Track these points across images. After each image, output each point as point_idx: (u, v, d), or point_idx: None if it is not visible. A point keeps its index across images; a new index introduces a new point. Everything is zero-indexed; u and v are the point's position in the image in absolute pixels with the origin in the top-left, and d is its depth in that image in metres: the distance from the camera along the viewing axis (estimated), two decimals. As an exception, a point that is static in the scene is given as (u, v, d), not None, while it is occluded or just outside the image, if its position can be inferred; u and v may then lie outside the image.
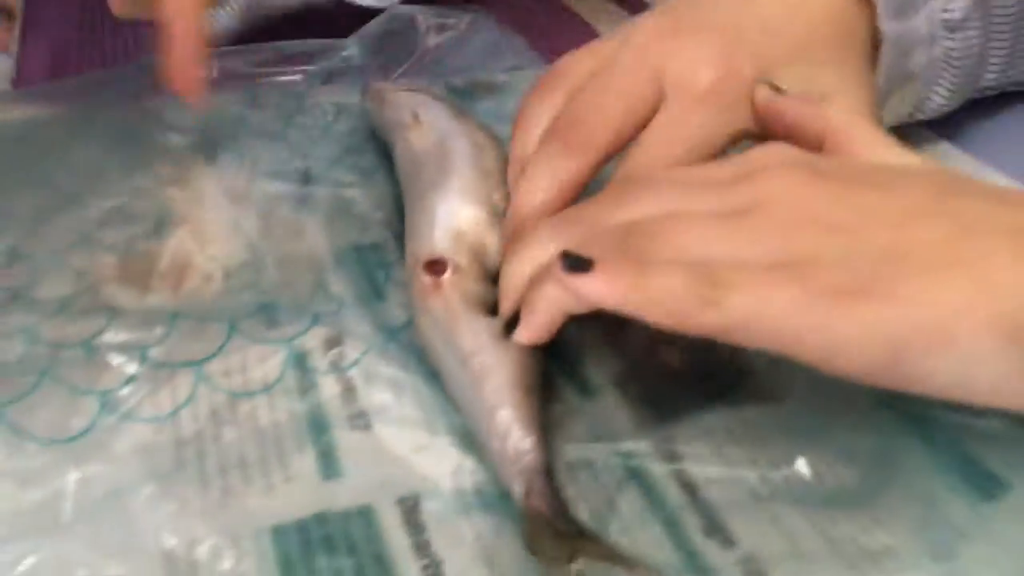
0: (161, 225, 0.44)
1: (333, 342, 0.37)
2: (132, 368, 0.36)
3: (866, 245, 0.28)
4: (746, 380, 0.35)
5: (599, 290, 0.29)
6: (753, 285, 0.27)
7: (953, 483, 0.31)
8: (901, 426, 0.33)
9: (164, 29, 0.45)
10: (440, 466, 0.33)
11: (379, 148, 0.49)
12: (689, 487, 0.32)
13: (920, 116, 0.47)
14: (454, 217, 0.39)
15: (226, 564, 0.29)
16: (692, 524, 0.30)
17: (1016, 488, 0.31)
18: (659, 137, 0.37)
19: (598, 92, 0.38)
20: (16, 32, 0.65)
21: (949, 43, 0.44)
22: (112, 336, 0.37)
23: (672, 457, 0.33)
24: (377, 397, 0.35)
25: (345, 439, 0.34)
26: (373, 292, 0.41)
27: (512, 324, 0.34)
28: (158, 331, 0.37)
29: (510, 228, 0.37)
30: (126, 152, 0.49)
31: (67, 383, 0.35)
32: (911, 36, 0.43)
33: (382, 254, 0.43)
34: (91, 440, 0.33)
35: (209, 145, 0.50)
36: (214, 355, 0.37)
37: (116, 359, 0.36)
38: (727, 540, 0.30)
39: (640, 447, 0.33)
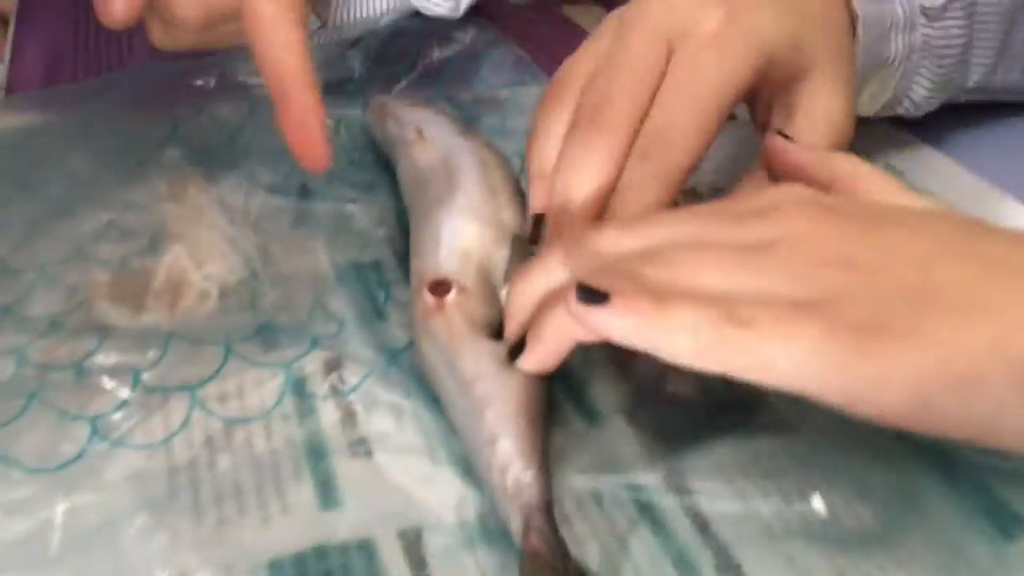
0: (156, 241, 0.43)
1: (332, 366, 0.36)
2: (124, 392, 0.35)
3: (891, 285, 0.27)
4: (759, 410, 0.34)
5: (614, 326, 0.28)
6: (775, 323, 0.26)
7: (976, 524, 0.30)
8: (920, 462, 0.32)
9: (266, 72, 0.39)
10: (443, 497, 0.31)
11: (380, 162, 0.48)
12: (701, 523, 0.31)
13: (901, 110, 0.47)
14: (460, 236, 0.38)
15: (220, 600, 0.28)
16: (704, 562, 0.29)
17: (1041, 530, 0.30)
18: (676, 91, 0.36)
19: (612, 71, 0.37)
20: (9, 36, 0.64)
21: (928, 31, 0.44)
22: (104, 358, 0.36)
23: (683, 491, 0.32)
24: (378, 423, 0.34)
25: (345, 467, 0.33)
26: (374, 312, 0.39)
27: (517, 350, 0.33)
28: (151, 354, 0.36)
29: (554, 225, 0.36)
30: (121, 164, 0.48)
31: (56, 407, 0.34)
32: (887, 19, 0.43)
33: (383, 273, 0.42)
34: (81, 468, 0.32)
35: (206, 157, 0.49)
36: (210, 379, 0.35)
37: (108, 382, 0.35)
38: (741, 580, 0.29)
39: (650, 480, 0.32)
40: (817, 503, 0.31)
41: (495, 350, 0.33)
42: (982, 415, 0.26)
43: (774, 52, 0.37)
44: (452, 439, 0.33)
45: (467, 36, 0.59)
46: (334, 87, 0.55)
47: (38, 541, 0.30)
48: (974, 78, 0.47)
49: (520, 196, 0.41)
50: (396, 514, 0.31)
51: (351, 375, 0.36)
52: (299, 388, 0.35)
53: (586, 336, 0.30)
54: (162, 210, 0.45)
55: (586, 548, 0.30)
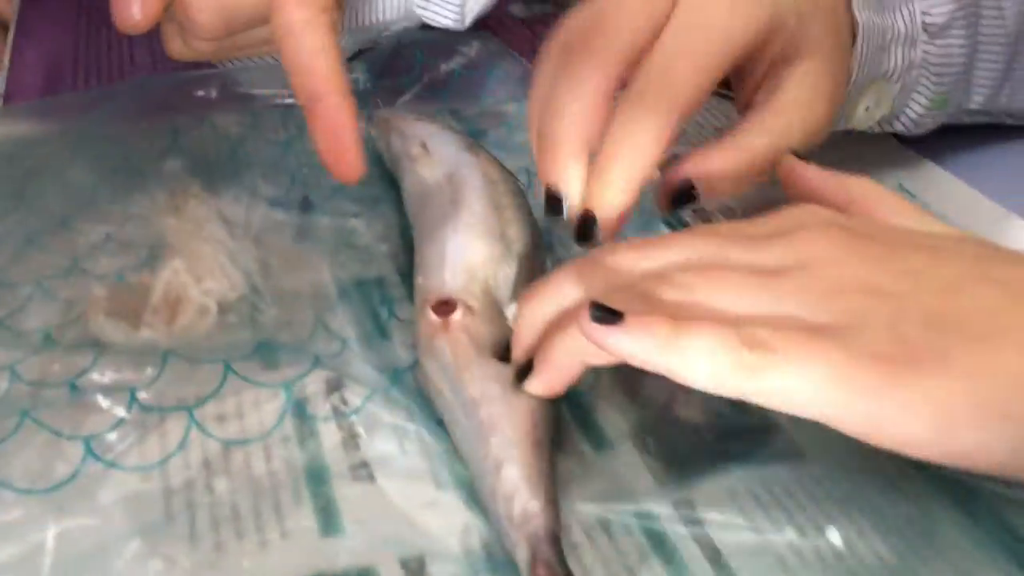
0: (155, 254, 0.42)
1: (334, 386, 0.35)
2: (120, 411, 0.34)
3: (914, 311, 0.26)
4: (771, 436, 0.34)
5: (628, 347, 0.27)
6: (795, 348, 0.25)
7: (993, 558, 0.29)
8: (937, 492, 0.31)
9: (296, 79, 0.38)
10: (447, 524, 0.31)
11: (384, 176, 0.48)
12: (713, 554, 0.30)
13: (899, 127, 0.46)
14: (465, 254, 0.37)
15: (216, 631, 0.27)
16: (717, 596, 0.29)
17: (1061, 564, 0.29)
18: (680, 36, 0.35)
19: (612, 3, 0.36)
20: (8, 43, 0.63)
21: (929, 47, 0.43)
22: (99, 376, 0.35)
23: (694, 521, 0.31)
24: (380, 446, 0.33)
25: (346, 492, 0.32)
26: (376, 330, 0.39)
27: (524, 372, 0.32)
28: (148, 371, 0.35)
29: (541, 158, 0.36)
30: (121, 175, 0.47)
31: (49, 426, 0.33)
32: (888, 31, 0.42)
33: (386, 289, 0.41)
34: (73, 489, 0.31)
35: (207, 169, 0.48)
36: (208, 398, 0.35)
37: (103, 401, 0.34)
38: (755, 615, 0.28)
39: (660, 508, 0.31)
40: (833, 536, 0.30)
41: (501, 372, 0.32)
42: (1008, 446, 0.25)
43: (780, 24, 0.37)
44: (456, 463, 0.33)
45: (472, 49, 0.58)
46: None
47: (28, 566, 0.29)
48: (976, 99, 0.47)
49: (526, 212, 0.40)
50: (398, 541, 0.30)
51: (353, 396, 0.35)
52: (300, 409, 0.34)
53: (597, 358, 0.30)
54: (161, 223, 0.44)
55: (592, 581, 0.29)
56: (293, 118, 0.53)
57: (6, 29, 0.65)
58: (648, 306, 0.28)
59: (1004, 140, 0.51)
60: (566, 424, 0.34)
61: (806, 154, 0.37)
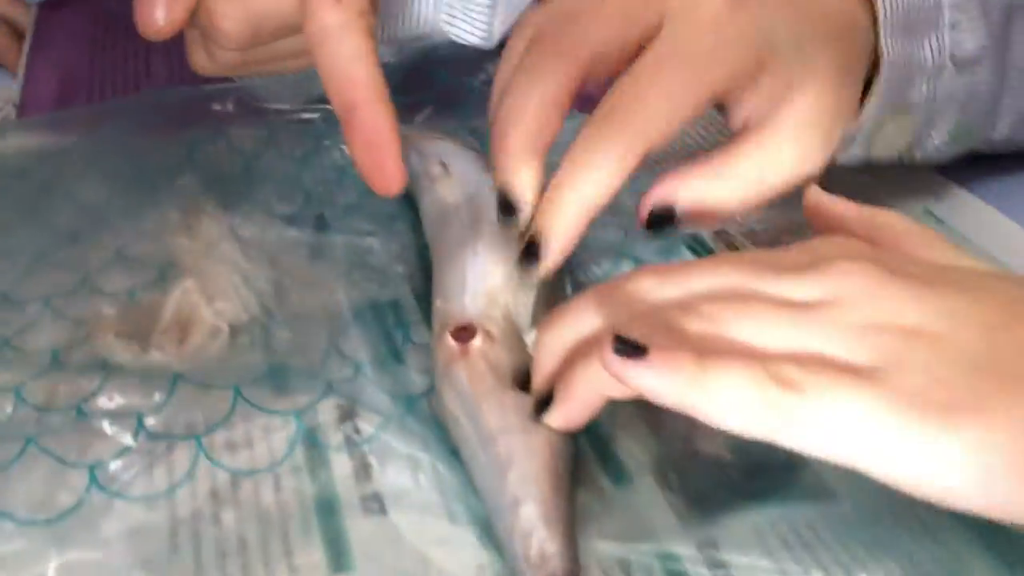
0: (166, 274, 0.41)
1: (347, 414, 0.34)
2: (126, 438, 0.33)
3: (951, 353, 0.25)
4: (799, 474, 0.32)
5: (651, 383, 0.26)
6: (827, 388, 0.24)
7: (1032, 608, 0.28)
8: (969, 536, 0.30)
9: (332, 87, 0.36)
10: (461, 562, 0.29)
11: (401, 194, 0.47)
12: (737, 600, 0.29)
13: (919, 155, 0.44)
14: (485, 279, 0.36)
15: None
16: (741, 644, 0.27)
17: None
18: (656, 66, 0.33)
19: (592, 3, 0.35)
20: (24, 53, 0.63)
21: (956, 80, 0.41)
22: (106, 400, 0.34)
23: (719, 564, 0.29)
24: (393, 478, 0.32)
25: (357, 526, 0.31)
26: (391, 354, 0.38)
27: (544, 403, 0.31)
28: (157, 397, 0.34)
29: (495, 156, 0.34)
30: (134, 190, 0.47)
31: (54, 453, 0.32)
32: (914, 62, 0.40)
33: (401, 312, 0.40)
34: (76, 520, 0.30)
35: (221, 185, 0.48)
36: (217, 426, 0.34)
37: (109, 428, 0.33)
38: (781, 667, 0.27)
39: (682, 549, 0.30)
40: (863, 582, 0.29)
41: (520, 402, 0.31)
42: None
43: (772, 56, 0.35)
44: (471, 496, 0.31)
45: (494, 65, 0.57)
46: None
47: (29, 600, 0.28)
48: (1002, 131, 0.45)
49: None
50: (411, 579, 0.29)
51: (366, 424, 0.34)
52: (311, 438, 0.33)
53: (619, 391, 0.28)
54: (174, 242, 0.43)
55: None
56: (311, 132, 0.52)
57: (21, 38, 0.64)
58: (671, 337, 0.27)
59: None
60: (584, 455, 0.33)
61: (829, 182, 0.36)
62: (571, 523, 0.29)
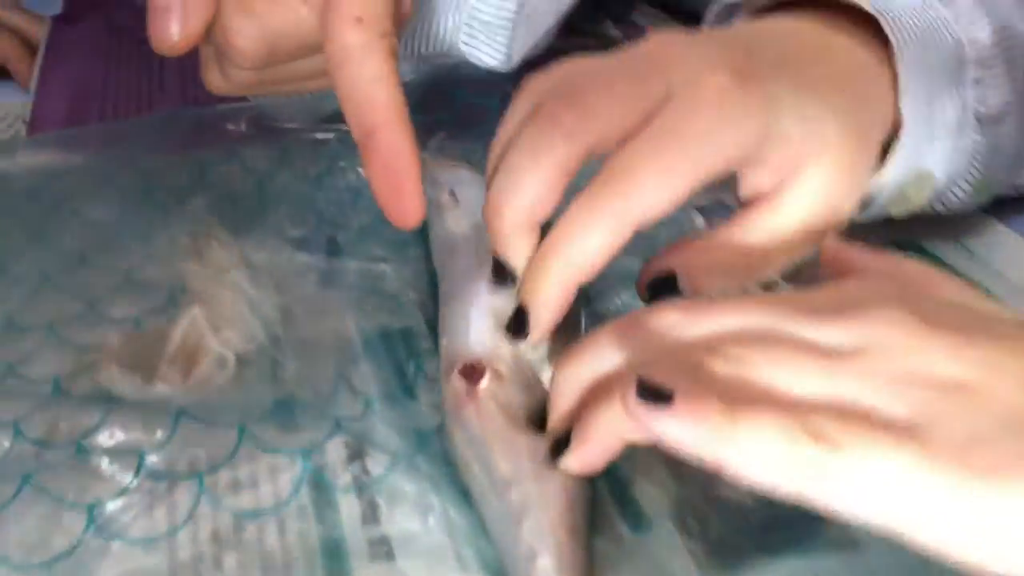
0: (174, 300, 0.40)
1: (355, 454, 0.33)
2: (126, 478, 0.32)
3: (990, 408, 0.24)
4: (823, 523, 0.31)
5: (676, 433, 0.24)
6: (864, 443, 0.23)
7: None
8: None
9: (350, 109, 0.35)
10: (471, 612, 0.28)
11: (415, 220, 0.46)
12: (760, 658, 0.27)
13: (941, 208, 0.42)
14: (493, 315, 0.34)
15: None
16: None
17: None
18: (652, 144, 0.32)
19: (602, 75, 0.33)
20: (36, 68, 0.62)
21: (978, 138, 0.39)
22: (107, 437, 0.33)
23: (740, 620, 0.28)
24: (402, 522, 0.31)
25: (364, 572, 0.29)
26: (401, 388, 0.36)
27: (560, 446, 0.29)
28: (159, 434, 0.33)
29: (490, 222, 0.32)
30: (144, 211, 0.46)
31: (51, 492, 0.31)
32: (937, 122, 0.38)
33: (413, 342, 0.39)
34: (72, 564, 0.29)
35: (232, 207, 0.47)
36: (221, 465, 0.32)
37: (109, 467, 0.32)
38: None
39: (702, 605, 0.29)
40: (889, 641, 0.27)
41: (534, 446, 0.30)
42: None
43: (776, 133, 0.33)
44: (482, 540, 0.30)
45: (510, 85, 0.56)
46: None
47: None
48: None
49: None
50: (418, 631, 0.28)
51: (375, 465, 0.33)
52: (318, 478, 0.32)
53: (640, 436, 0.27)
54: (183, 267, 0.42)
55: None
56: (325, 153, 0.51)
57: (34, 52, 0.64)
58: (696, 381, 0.26)
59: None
60: (601, 499, 0.32)
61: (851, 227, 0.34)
62: (588, 574, 0.28)
